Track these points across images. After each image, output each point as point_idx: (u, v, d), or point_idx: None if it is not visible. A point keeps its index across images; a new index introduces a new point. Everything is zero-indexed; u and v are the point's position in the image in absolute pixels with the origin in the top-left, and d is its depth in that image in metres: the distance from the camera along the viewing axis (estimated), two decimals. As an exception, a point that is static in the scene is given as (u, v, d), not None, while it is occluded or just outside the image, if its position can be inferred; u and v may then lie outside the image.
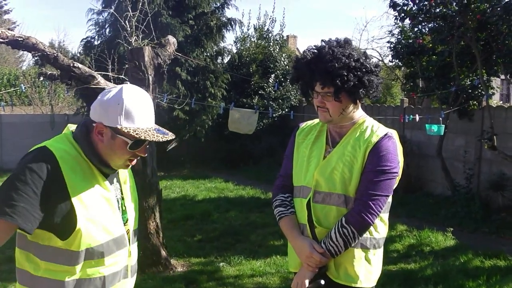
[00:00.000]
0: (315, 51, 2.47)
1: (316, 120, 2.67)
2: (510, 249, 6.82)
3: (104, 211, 2.05)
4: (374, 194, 2.38)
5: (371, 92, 2.47)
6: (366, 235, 2.45)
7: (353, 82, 2.38)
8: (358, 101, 2.50)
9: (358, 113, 2.56)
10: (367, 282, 2.48)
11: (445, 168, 9.77)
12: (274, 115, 13.45)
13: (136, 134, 1.99)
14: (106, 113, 2.01)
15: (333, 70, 2.36)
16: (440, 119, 8.49)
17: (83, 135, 2.06)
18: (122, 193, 2.20)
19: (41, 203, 1.90)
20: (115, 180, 2.18)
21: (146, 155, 2.14)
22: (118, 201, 2.16)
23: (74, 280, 2.00)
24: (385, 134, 2.45)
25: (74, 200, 1.94)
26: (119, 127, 1.99)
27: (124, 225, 2.17)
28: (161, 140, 2.05)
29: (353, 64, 2.39)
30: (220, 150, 14.99)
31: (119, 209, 2.14)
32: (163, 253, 6.10)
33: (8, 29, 5.50)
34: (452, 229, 7.52)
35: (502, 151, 8.51)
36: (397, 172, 2.45)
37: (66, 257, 1.98)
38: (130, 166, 2.15)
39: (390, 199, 2.51)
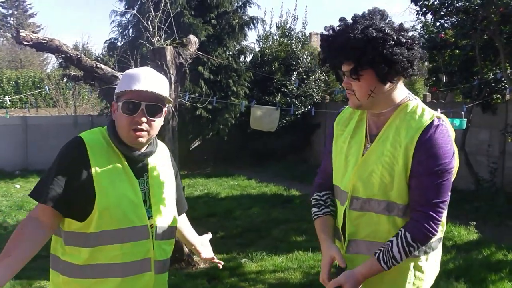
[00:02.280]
0: (340, 23, 2.12)
1: None
2: (534, 243, 6.75)
3: (126, 199, 2.12)
4: (435, 203, 2.06)
5: (399, 68, 2.03)
6: None
7: (371, 56, 1.99)
8: (389, 82, 2.09)
9: (400, 95, 2.17)
10: None
11: (468, 162, 9.69)
12: (292, 113, 13.50)
13: (121, 89, 2.12)
14: (117, 89, 2.18)
15: (349, 42, 2.01)
16: (462, 113, 8.43)
17: (111, 127, 2.20)
18: (148, 190, 2.23)
19: (69, 184, 2.06)
20: (145, 175, 2.23)
21: (144, 120, 2.10)
22: (144, 194, 2.20)
23: (92, 265, 2.10)
24: (430, 123, 2.06)
25: (97, 183, 2.08)
26: (118, 91, 2.14)
27: (149, 218, 2.19)
28: (143, 89, 2.08)
29: (374, 34, 1.99)
30: (243, 148, 15.06)
31: (144, 202, 2.18)
32: (186, 249, 6.17)
33: (32, 32, 5.66)
34: (475, 223, 7.46)
35: (527, 144, 8.43)
36: (453, 167, 2.08)
37: (83, 240, 2.10)
38: (140, 139, 2.13)
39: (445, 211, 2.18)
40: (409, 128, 2.09)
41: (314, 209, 2.40)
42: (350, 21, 2.09)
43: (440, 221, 2.09)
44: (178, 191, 2.47)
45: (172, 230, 2.32)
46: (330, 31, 2.11)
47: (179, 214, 2.48)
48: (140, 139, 2.14)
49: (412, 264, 2.19)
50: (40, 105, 19.54)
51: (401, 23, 2.13)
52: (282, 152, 14.89)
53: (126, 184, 2.14)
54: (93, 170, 2.07)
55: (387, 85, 2.10)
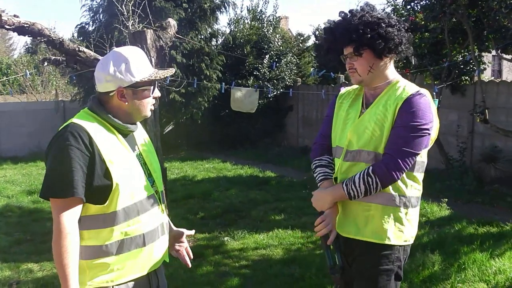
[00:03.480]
0: (338, 17, 2.60)
1: (356, 86, 2.74)
2: (503, 217, 7.07)
3: (133, 173, 2.25)
4: (402, 150, 2.39)
5: (391, 45, 2.49)
6: (395, 192, 2.48)
7: (370, 35, 2.44)
8: (384, 57, 2.53)
9: (392, 74, 2.60)
10: (396, 240, 2.51)
11: (438, 142, 9.98)
12: (271, 94, 13.65)
13: (153, 78, 2.28)
14: (120, 77, 2.21)
15: (349, 27, 2.47)
16: (434, 93, 8.69)
17: (100, 107, 2.26)
18: (145, 160, 2.38)
19: (85, 172, 2.11)
20: (136, 147, 2.37)
21: (160, 95, 2.42)
22: (141, 165, 2.33)
23: (117, 242, 2.19)
24: (417, 91, 2.47)
25: (108, 163, 2.15)
26: (138, 80, 2.24)
27: (152, 186, 2.35)
28: (169, 75, 2.35)
29: (369, 19, 2.48)
30: (216, 131, 15.15)
31: (144, 172, 2.32)
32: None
33: (14, 15, 5.63)
34: (446, 200, 7.76)
35: (494, 124, 8.75)
36: (428, 129, 2.43)
37: (104, 221, 2.18)
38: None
39: (425, 159, 2.55)
40: (399, 94, 2.51)
41: (326, 170, 2.70)
42: (347, 13, 2.57)
43: (403, 167, 2.41)
44: None
45: (163, 193, 2.48)
46: (332, 24, 2.61)
47: None
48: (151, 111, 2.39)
49: (393, 213, 2.51)
50: (5, 91, 19.13)
51: (388, 13, 2.70)
52: (255, 135, 15.03)
53: (131, 158, 2.26)
54: (102, 152, 2.14)
55: (382, 62, 2.55)
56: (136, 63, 2.23)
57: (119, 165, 2.18)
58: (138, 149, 2.38)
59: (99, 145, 2.15)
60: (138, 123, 2.44)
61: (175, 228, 2.62)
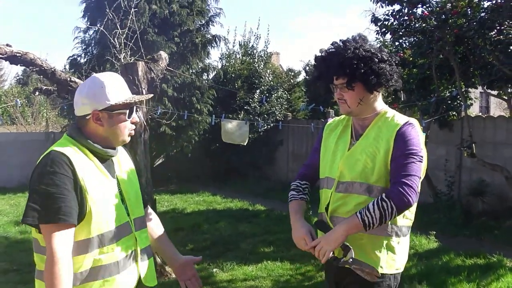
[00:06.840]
0: (331, 46, 2.61)
1: (343, 116, 2.80)
2: (490, 249, 7.12)
3: (110, 200, 2.26)
4: (408, 175, 2.40)
5: (383, 80, 2.53)
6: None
7: (363, 70, 2.48)
8: (375, 91, 2.59)
9: (380, 105, 2.66)
10: (388, 269, 2.53)
11: (427, 176, 10.06)
12: (261, 128, 13.75)
13: (129, 101, 2.31)
14: (95, 100, 2.26)
15: (343, 61, 2.49)
16: (422, 127, 8.80)
17: (78, 132, 2.30)
18: (120, 187, 2.37)
19: (74, 196, 2.13)
20: (115, 174, 2.37)
21: (138, 120, 2.38)
22: (119, 193, 2.34)
23: (90, 269, 2.17)
24: (406, 122, 2.53)
25: (86, 190, 2.16)
26: (113, 103, 2.27)
27: (128, 215, 2.35)
28: (145, 98, 2.36)
29: (363, 53, 2.50)
30: (206, 165, 15.16)
31: (122, 199, 2.34)
32: (158, 260, 6.25)
33: (7, 45, 5.70)
34: (434, 232, 7.80)
35: (481, 158, 8.86)
36: (422, 156, 2.47)
37: (78, 248, 2.15)
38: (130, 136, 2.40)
39: (418, 189, 2.50)
40: (389, 126, 2.57)
41: (293, 192, 2.81)
42: (340, 44, 2.60)
43: (414, 190, 2.41)
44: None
45: (144, 219, 2.49)
46: (324, 53, 2.62)
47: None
48: (130, 137, 2.42)
49: (385, 242, 2.55)
50: (7, 121, 19.10)
51: (380, 45, 2.62)
52: (245, 169, 15.05)
53: (108, 187, 2.28)
54: (80, 178, 2.16)
55: (372, 95, 2.61)
56: (112, 87, 2.28)
57: (95, 191, 2.19)
58: (116, 175, 2.38)
59: (78, 170, 2.16)
60: (121, 148, 2.48)
61: (183, 257, 2.66)
